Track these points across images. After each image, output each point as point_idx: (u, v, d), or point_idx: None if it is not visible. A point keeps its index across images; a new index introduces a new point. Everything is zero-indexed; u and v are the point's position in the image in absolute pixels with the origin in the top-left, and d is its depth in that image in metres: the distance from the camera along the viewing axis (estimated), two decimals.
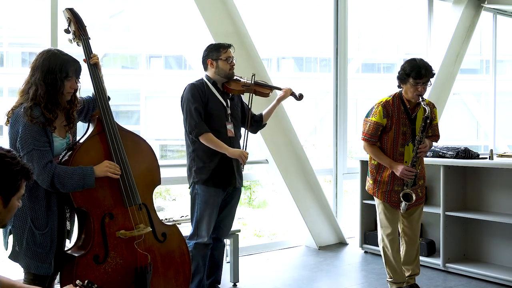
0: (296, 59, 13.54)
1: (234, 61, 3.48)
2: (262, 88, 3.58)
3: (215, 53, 3.45)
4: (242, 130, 3.59)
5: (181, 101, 3.46)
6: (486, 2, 6.96)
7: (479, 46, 10.53)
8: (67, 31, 2.79)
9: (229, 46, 3.50)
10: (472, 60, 11.54)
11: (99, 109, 2.66)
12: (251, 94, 3.49)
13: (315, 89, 12.31)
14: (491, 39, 7.74)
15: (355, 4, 6.34)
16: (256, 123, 3.72)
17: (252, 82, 3.50)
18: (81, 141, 2.63)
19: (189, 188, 3.50)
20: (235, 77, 3.50)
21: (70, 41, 2.78)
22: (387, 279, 3.72)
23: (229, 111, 3.48)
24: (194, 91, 3.38)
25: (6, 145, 2.51)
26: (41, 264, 2.43)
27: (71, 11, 2.77)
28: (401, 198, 3.43)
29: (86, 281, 2.12)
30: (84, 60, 2.69)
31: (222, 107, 3.45)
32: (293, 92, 3.65)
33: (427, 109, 3.33)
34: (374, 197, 3.67)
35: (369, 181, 3.68)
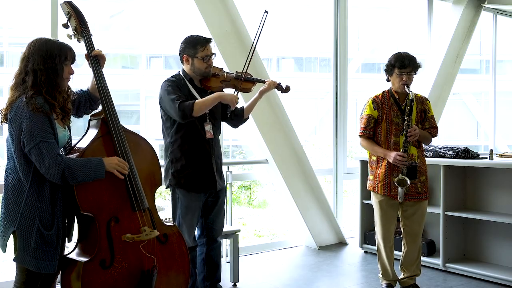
0: (296, 59, 13.51)
1: (213, 58, 3.26)
2: (244, 83, 3.35)
3: (192, 49, 3.22)
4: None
5: (160, 99, 3.25)
6: (486, 2, 6.97)
7: (479, 46, 10.51)
8: (65, 25, 2.66)
9: (207, 41, 3.24)
10: (472, 60, 11.51)
11: (104, 110, 2.57)
12: (239, 82, 3.26)
13: (315, 89, 12.29)
14: (491, 39, 7.75)
15: (355, 4, 6.34)
16: (236, 118, 3.52)
17: (244, 71, 3.24)
18: (84, 144, 2.54)
19: (169, 190, 3.38)
20: (214, 72, 3.28)
21: (70, 36, 2.65)
22: (378, 274, 3.86)
23: (207, 111, 3.27)
24: (173, 85, 3.18)
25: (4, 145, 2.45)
26: (50, 262, 2.38)
27: (70, 4, 2.63)
28: (396, 184, 3.52)
29: None
30: (86, 56, 2.60)
31: None
32: (278, 84, 3.48)
33: (411, 93, 3.53)
34: (372, 194, 3.76)
35: (369, 178, 3.79)
